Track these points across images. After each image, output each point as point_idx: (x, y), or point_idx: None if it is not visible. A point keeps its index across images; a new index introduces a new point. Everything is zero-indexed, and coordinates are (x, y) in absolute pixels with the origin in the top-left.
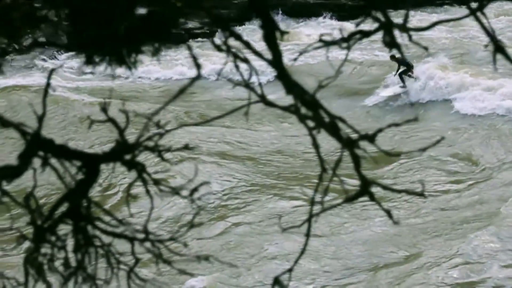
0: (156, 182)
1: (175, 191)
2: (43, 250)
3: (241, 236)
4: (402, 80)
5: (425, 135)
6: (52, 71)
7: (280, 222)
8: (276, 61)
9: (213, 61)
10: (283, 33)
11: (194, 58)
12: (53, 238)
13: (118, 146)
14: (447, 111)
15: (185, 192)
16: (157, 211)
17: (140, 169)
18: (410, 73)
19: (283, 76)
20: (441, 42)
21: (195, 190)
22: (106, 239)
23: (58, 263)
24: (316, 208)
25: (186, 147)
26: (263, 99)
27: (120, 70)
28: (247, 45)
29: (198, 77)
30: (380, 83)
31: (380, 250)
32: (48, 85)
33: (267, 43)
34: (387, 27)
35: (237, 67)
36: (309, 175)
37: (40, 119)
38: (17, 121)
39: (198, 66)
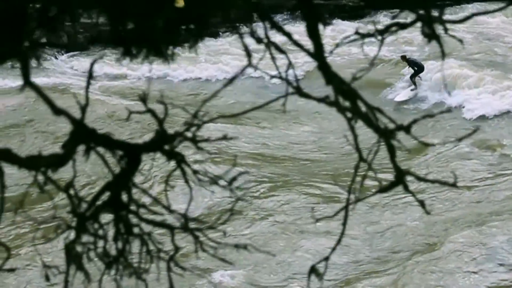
0: (195, 172)
1: (214, 180)
2: (84, 239)
3: (275, 235)
4: (414, 83)
5: (454, 126)
6: (94, 62)
7: (313, 213)
8: (317, 53)
9: (226, 62)
10: (326, 24)
11: (246, 47)
12: (94, 227)
13: (158, 136)
14: (461, 111)
15: (223, 182)
16: (192, 206)
17: (179, 159)
18: (419, 76)
19: (324, 67)
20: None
21: (233, 179)
22: (147, 227)
23: (99, 252)
24: (352, 199)
25: (224, 137)
26: (298, 91)
27: (145, 68)
28: (289, 36)
29: (249, 65)
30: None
31: (412, 242)
32: (90, 76)
33: (309, 34)
34: (425, 19)
35: (273, 59)
36: (347, 173)
37: (83, 109)
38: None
39: (249, 55)
